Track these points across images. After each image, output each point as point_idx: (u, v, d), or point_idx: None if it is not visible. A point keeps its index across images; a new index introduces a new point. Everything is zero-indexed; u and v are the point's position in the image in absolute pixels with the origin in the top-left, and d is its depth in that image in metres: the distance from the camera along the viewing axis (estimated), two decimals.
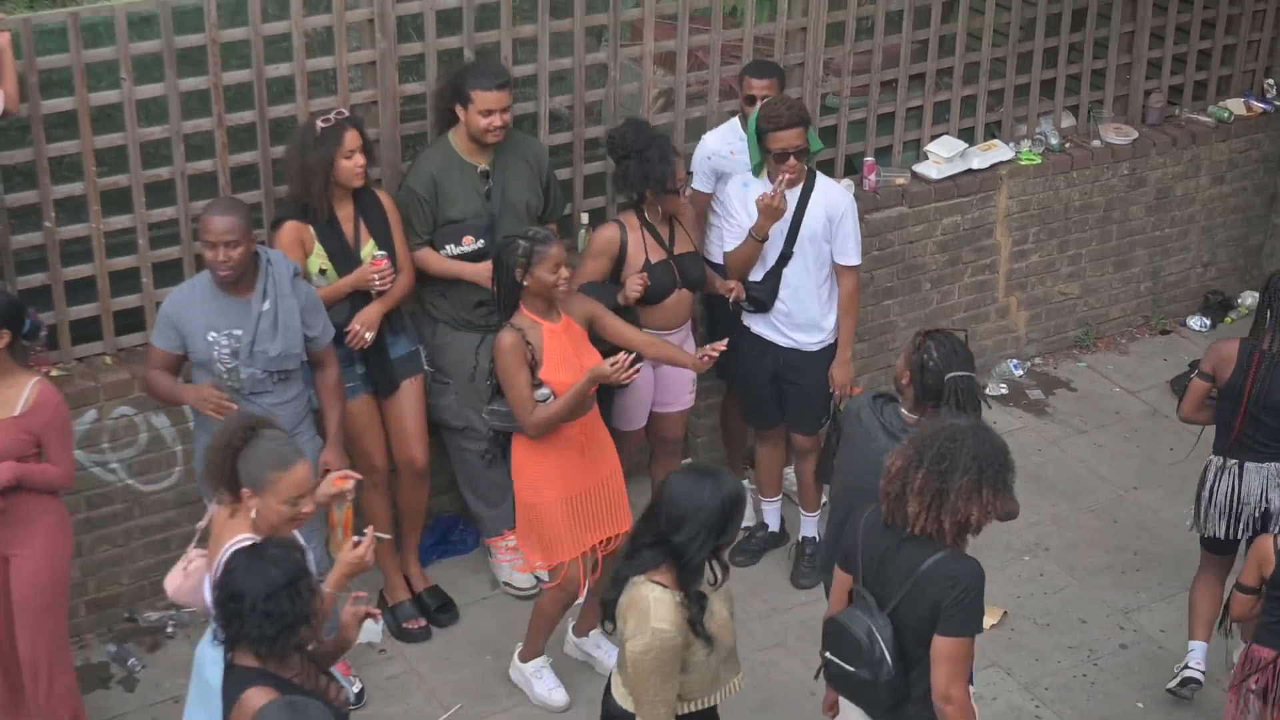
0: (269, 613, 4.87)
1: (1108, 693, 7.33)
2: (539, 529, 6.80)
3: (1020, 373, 9.63)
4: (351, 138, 6.88)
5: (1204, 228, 10.05)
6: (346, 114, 6.97)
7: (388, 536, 6.88)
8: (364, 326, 7.04)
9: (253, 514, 5.35)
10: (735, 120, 7.87)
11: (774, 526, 8.13)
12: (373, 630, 7.53)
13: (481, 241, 7.29)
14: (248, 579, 4.91)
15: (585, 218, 8.01)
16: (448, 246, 7.30)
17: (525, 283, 6.61)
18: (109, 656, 7.38)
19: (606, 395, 7.10)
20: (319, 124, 6.86)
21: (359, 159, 6.90)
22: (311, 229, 6.96)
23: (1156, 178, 9.73)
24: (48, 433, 6.18)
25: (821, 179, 7.50)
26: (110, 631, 7.49)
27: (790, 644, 7.43)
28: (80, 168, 7.05)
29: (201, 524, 5.70)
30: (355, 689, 7.16)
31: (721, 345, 6.89)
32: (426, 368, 7.47)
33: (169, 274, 7.23)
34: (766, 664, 7.39)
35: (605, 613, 5.47)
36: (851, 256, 7.48)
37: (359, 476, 6.13)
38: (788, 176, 7.26)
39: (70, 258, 7.18)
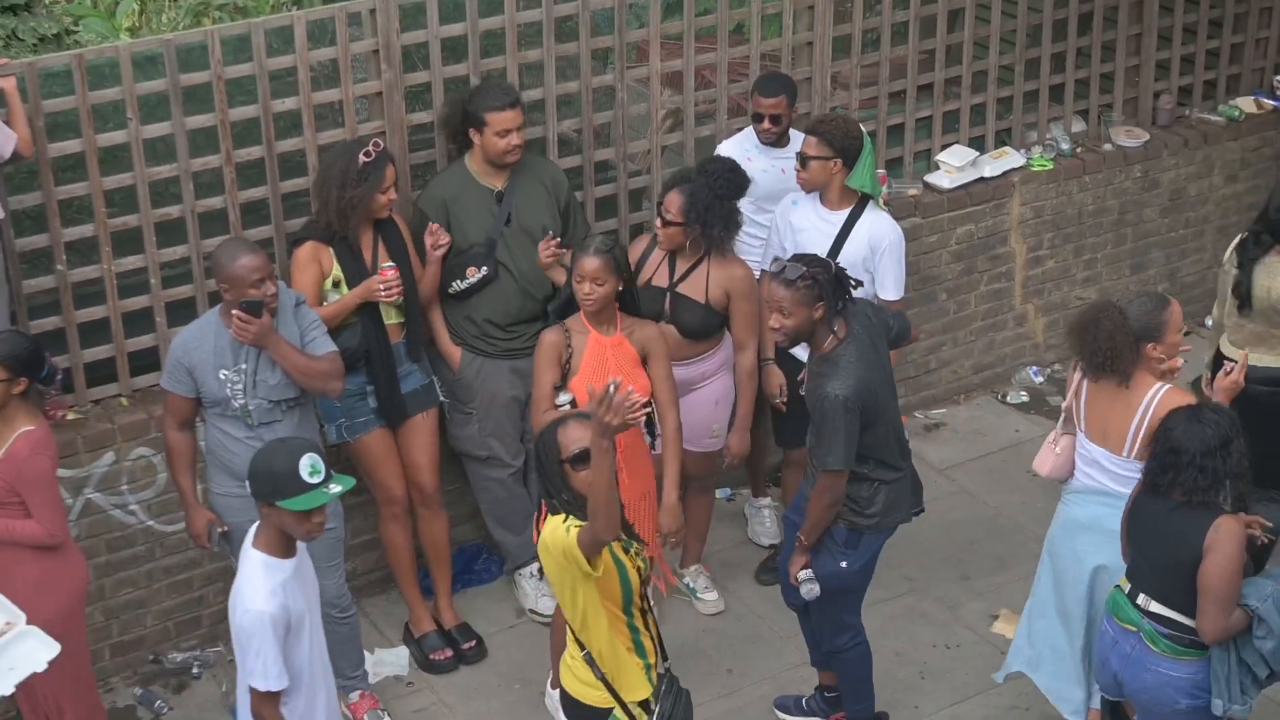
0: (1203, 468, 5.67)
1: None
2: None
3: (1040, 379, 9.58)
4: (391, 173, 6.92)
5: (1219, 227, 9.97)
6: (382, 145, 6.93)
7: None
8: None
9: (1164, 363, 6.22)
10: (750, 129, 7.81)
11: None
12: (400, 662, 7.48)
13: (485, 269, 7.28)
14: (1186, 436, 5.71)
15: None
16: (454, 283, 7.29)
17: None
18: (135, 699, 7.34)
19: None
20: (361, 159, 6.83)
21: (393, 193, 6.94)
22: (331, 250, 6.95)
23: (1169, 179, 9.69)
24: (20, 485, 6.09)
25: (872, 210, 7.35)
26: (135, 674, 7.44)
27: None
28: (90, 209, 7.04)
29: None
30: None
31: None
32: (443, 399, 7.42)
33: (182, 313, 7.20)
34: (799, 681, 7.34)
35: None
36: (889, 291, 7.32)
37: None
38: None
39: (83, 300, 7.16)
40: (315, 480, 5.22)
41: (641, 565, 5.51)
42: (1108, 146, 9.50)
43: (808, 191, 7.33)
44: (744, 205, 7.47)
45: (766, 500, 8.29)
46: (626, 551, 5.48)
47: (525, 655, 7.52)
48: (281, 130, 7.31)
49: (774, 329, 6.24)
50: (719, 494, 8.16)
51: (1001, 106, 9.24)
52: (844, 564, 6.52)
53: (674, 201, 7.08)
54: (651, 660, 5.63)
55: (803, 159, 7.27)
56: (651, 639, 5.64)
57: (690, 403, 7.35)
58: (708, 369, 7.40)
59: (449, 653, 7.52)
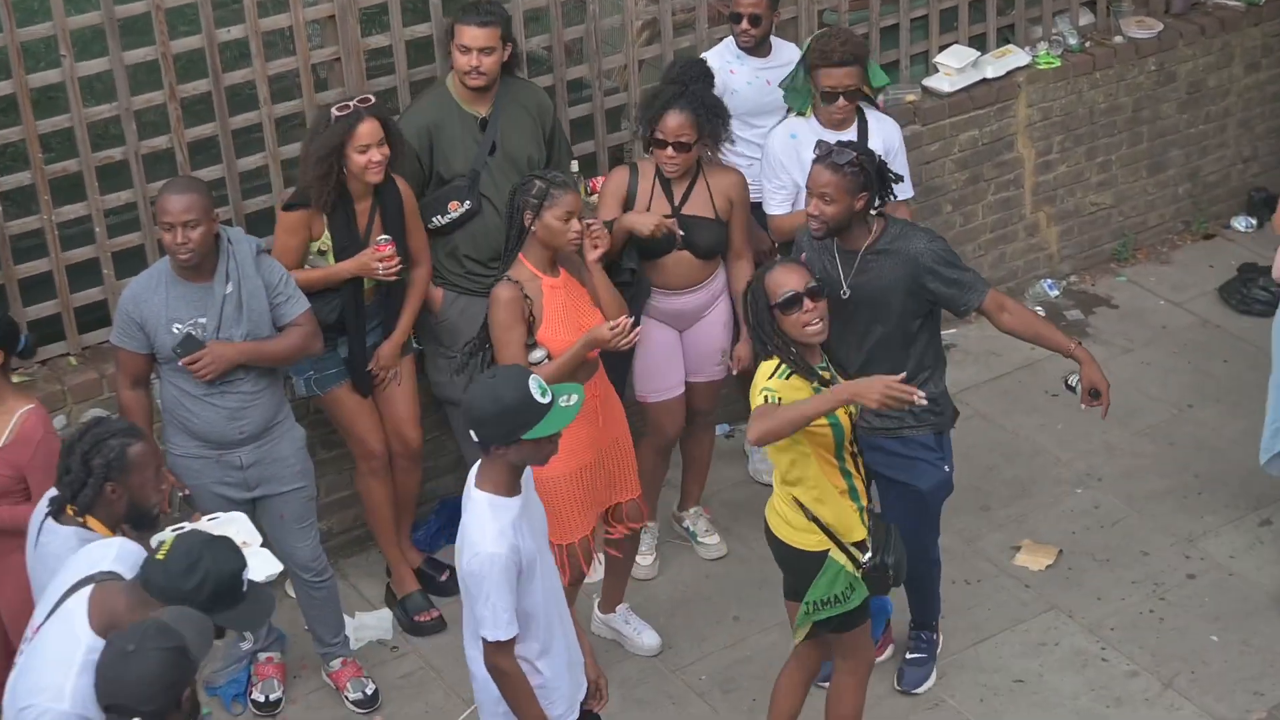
0: None
1: (1178, 628, 7.30)
2: (546, 503, 6.64)
3: (1056, 293, 9.58)
4: (367, 130, 6.71)
5: (1241, 120, 9.96)
6: (372, 100, 6.81)
7: None
8: (386, 368, 7.15)
9: None
10: (731, 39, 7.76)
11: None
12: (383, 626, 7.49)
13: (469, 203, 7.19)
14: None
15: (575, 165, 7.88)
16: (434, 218, 7.20)
17: (533, 228, 6.46)
18: None
19: (624, 362, 7.11)
20: (334, 111, 6.73)
21: (375, 154, 6.74)
22: (324, 217, 6.87)
23: (1186, 71, 9.63)
24: (33, 470, 6.04)
25: (873, 114, 7.36)
26: None
27: None
28: (25, 155, 6.95)
29: None
30: (369, 690, 7.13)
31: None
32: (416, 345, 7.42)
33: (131, 263, 7.11)
34: None
35: None
36: (908, 189, 7.26)
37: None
38: (838, 115, 7.17)
39: (22, 253, 7.08)
40: (547, 399, 5.25)
41: (853, 411, 5.82)
42: (1118, 39, 9.44)
43: (848, 124, 7.24)
44: (732, 124, 7.37)
45: None
46: None
47: None
48: (229, 61, 7.23)
49: (812, 215, 6.24)
50: (717, 430, 8.11)
51: (1003, 1, 9.16)
52: (947, 468, 6.64)
53: (680, 123, 6.98)
54: (864, 503, 5.98)
55: (853, 93, 7.16)
56: (862, 481, 5.98)
57: (702, 330, 7.39)
58: (716, 289, 7.39)
59: (435, 613, 7.50)
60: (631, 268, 7.15)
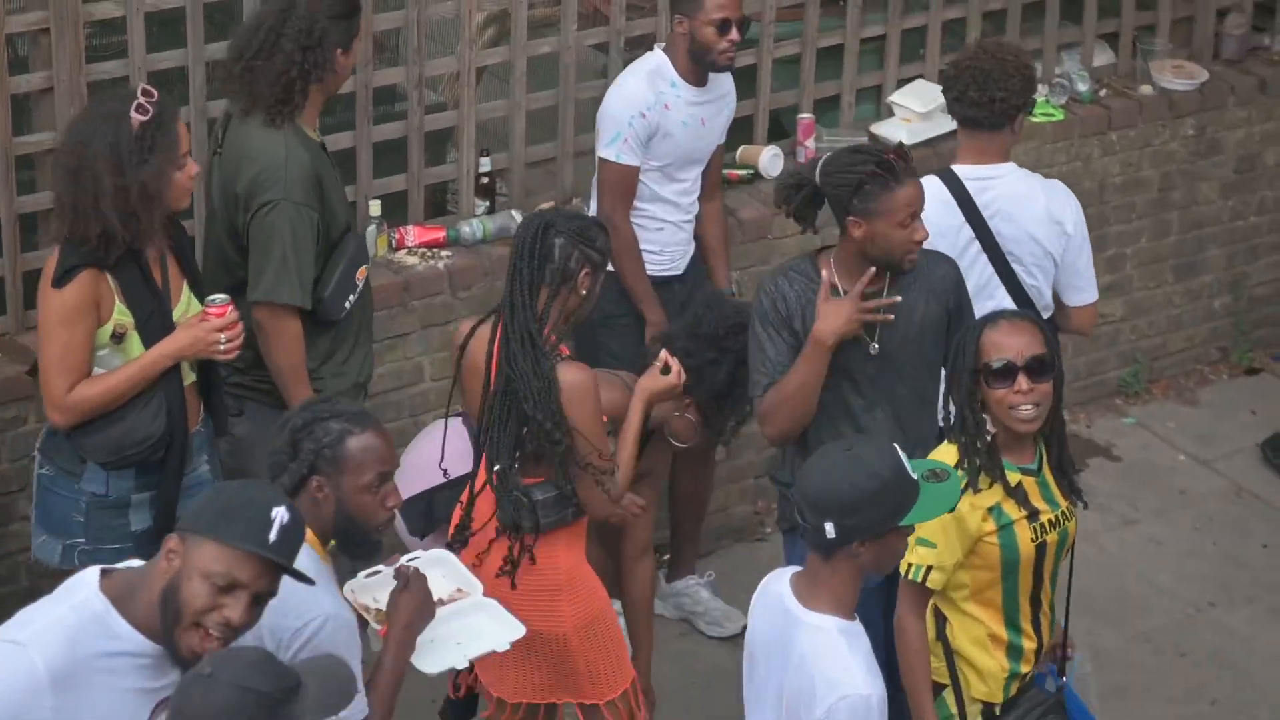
0: None
1: None
2: (615, 642, 6.46)
3: None
4: (184, 133, 6.13)
5: None
6: (154, 94, 6.13)
7: None
8: None
9: None
10: (656, 58, 7.40)
11: None
12: None
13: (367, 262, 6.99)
14: None
15: (375, 206, 7.47)
16: (348, 300, 6.72)
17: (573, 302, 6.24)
18: None
19: None
20: (135, 118, 6.03)
21: (194, 165, 6.20)
22: (110, 279, 6.14)
23: (1236, 140, 9.27)
24: None
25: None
26: None
27: None
28: None
29: None
30: None
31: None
32: None
33: None
34: None
35: None
36: (1091, 286, 7.32)
37: None
38: None
39: None
40: (916, 475, 5.19)
41: (1054, 539, 5.72)
42: (1146, 89, 9.08)
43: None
44: (649, 176, 7.36)
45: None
46: (1032, 518, 5.65)
47: None
48: None
49: (916, 242, 6.03)
50: None
51: (990, 25, 8.84)
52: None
53: None
54: (1025, 669, 5.83)
55: None
56: (1039, 643, 5.82)
57: None
58: None
59: None
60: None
